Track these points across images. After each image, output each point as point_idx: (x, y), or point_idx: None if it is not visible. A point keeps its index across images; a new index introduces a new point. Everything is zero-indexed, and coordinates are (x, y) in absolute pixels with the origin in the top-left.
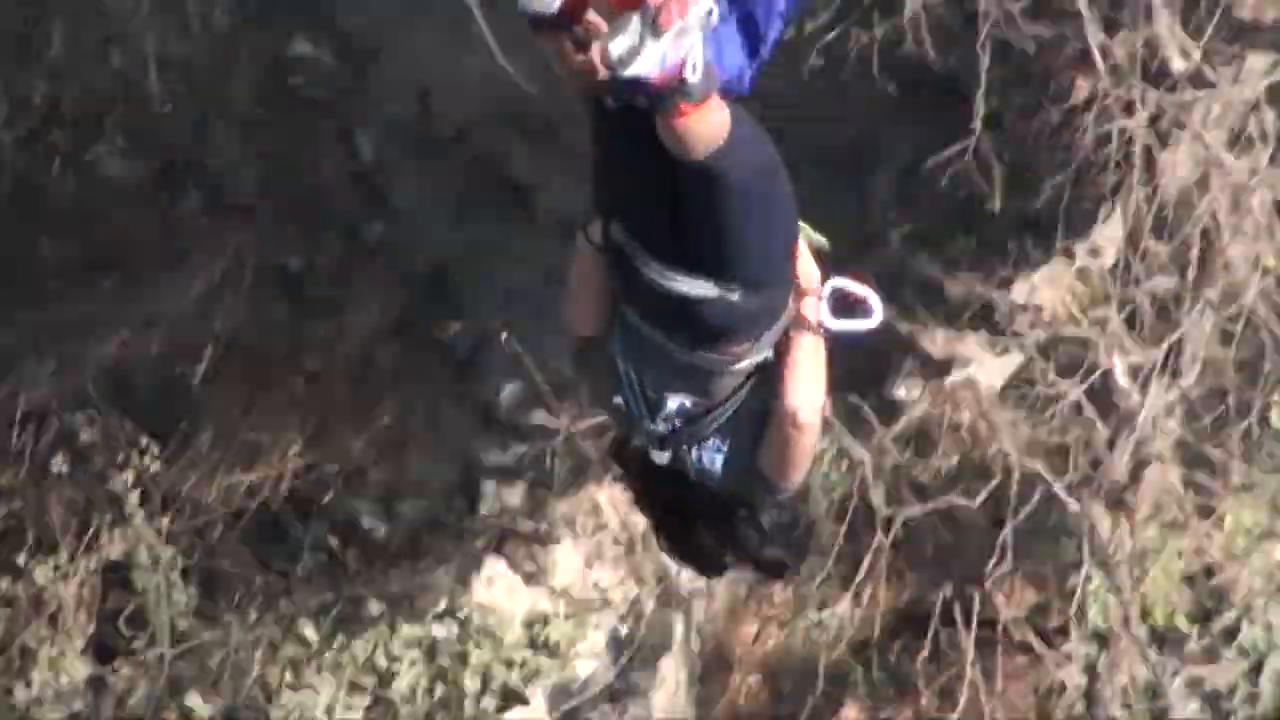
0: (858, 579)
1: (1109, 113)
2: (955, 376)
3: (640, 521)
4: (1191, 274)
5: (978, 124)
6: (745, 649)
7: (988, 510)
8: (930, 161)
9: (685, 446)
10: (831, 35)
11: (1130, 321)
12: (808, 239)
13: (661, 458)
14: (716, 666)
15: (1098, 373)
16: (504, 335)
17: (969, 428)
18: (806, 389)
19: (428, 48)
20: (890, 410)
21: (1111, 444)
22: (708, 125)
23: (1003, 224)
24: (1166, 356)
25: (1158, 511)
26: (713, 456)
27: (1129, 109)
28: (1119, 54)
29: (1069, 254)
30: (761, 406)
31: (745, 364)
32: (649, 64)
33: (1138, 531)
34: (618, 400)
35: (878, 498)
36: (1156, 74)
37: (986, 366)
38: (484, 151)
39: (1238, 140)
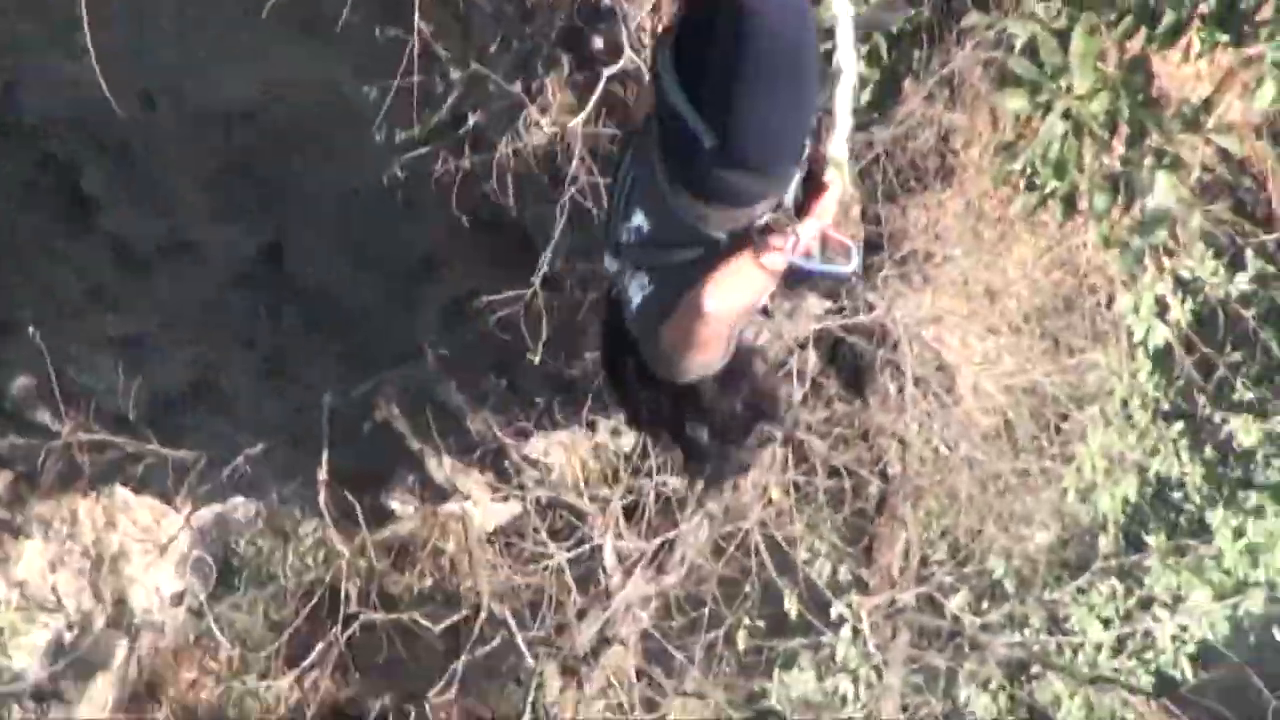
0: (305, 663)
1: None
2: (451, 506)
3: (111, 543)
4: (702, 483)
5: (538, 279)
6: (178, 693)
7: (447, 639)
8: (485, 299)
9: (629, 265)
10: (421, 151)
11: (631, 509)
12: (843, 177)
13: (611, 264)
14: (145, 700)
15: (587, 546)
16: (31, 329)
17: (451, 557)
18: (724, 290)
19: (24, 41)
20: (381, 516)
21: (581, 615)
22: None
23: (537, 377)
24: (657, 551)
25: (606, 692)
26: (637, 290)
27: None
28: None
29: (592, 426)
30: (688, 282)
31: (701, 229)
32: None
33: (583, 705)
34: (608, 184)
35: (347, 593)
36: None
37: (483, 506)
38: (59, 153)
39: (778, 371)
